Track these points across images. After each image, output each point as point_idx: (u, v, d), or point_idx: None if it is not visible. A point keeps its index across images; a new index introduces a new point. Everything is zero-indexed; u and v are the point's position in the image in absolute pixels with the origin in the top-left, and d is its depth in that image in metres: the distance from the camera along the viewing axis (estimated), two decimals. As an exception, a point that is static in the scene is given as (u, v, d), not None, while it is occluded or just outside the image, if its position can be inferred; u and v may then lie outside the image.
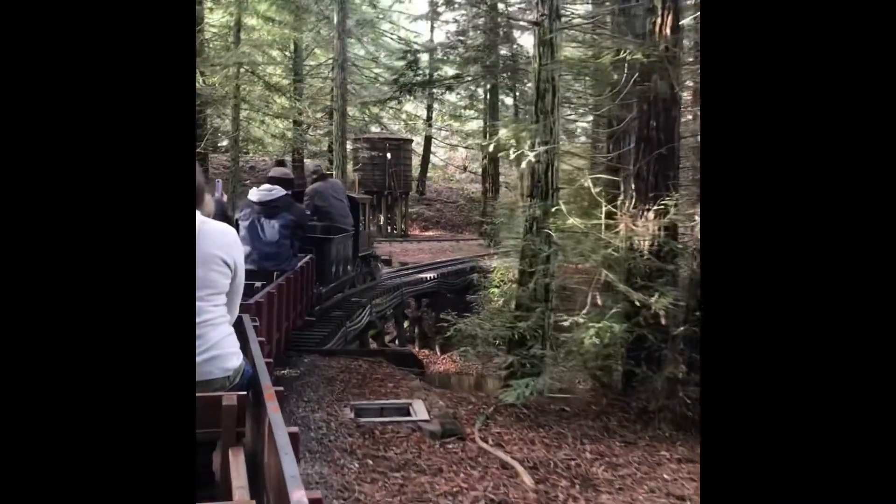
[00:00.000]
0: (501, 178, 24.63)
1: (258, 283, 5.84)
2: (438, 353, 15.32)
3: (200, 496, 2.22)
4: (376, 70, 27.42)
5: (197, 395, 2.18)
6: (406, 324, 15.92)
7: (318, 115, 23.06)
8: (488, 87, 24.89)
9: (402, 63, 17.81)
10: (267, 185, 6.90)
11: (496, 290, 14.04)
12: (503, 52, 16.96)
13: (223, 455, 2.33)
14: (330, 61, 25.58)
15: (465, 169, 33.48)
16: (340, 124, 16.95)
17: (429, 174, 30.74)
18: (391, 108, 28.60)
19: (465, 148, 31.34)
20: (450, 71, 22.00)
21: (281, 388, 2.51)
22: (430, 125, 29.66)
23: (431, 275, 15.24)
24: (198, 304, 2.47)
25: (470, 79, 20.64)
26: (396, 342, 14.86)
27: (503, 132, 9.87)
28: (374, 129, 27.29)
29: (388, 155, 23.53)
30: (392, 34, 29.06)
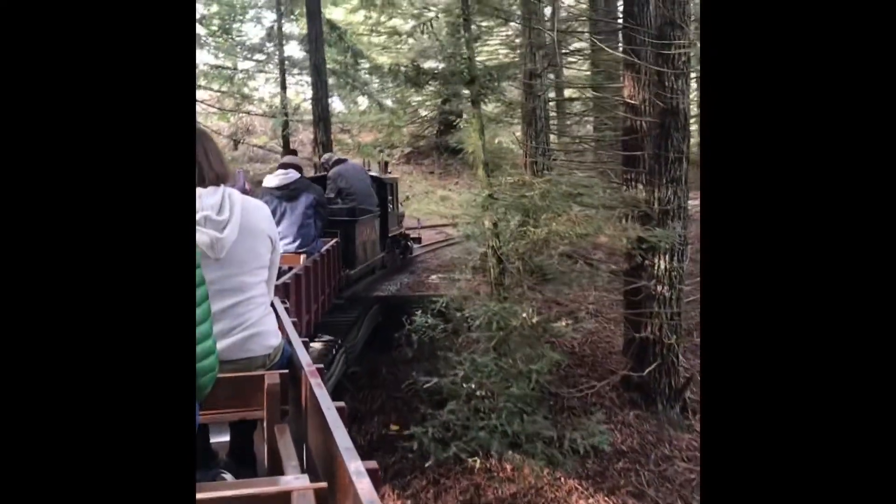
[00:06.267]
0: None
1: (285, 266, 5.54)
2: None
3: (244, 474, 2.40)
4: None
5: (238, 375, 2.35)
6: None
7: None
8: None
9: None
10: (281, 171, 6.69)
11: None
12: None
13: (268, 433, 2.32)
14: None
15: (236, 144, 24.54)
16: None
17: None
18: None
19: (251, 114, 22.35)
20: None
21: (321, 366, 2.48)
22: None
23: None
24: (244, 278, 2.45)
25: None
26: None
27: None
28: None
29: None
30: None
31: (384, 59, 18.62)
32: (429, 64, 23.60)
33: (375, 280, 10.04)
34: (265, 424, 2.32)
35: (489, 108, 10.04)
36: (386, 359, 8.54)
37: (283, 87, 18.46)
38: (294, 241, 6.47)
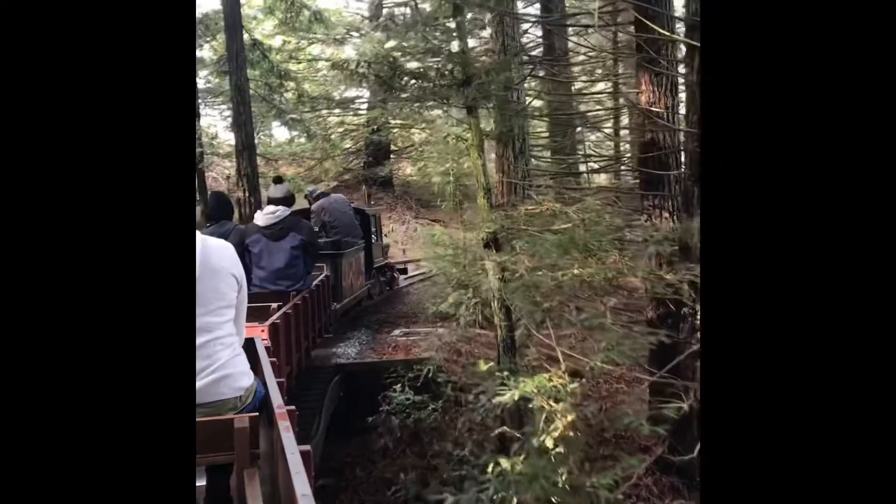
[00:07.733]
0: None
1: (274, 305, 5.24)
2: None
3: None
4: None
5: (208, 419, 2.23)
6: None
7: None
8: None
9: None
10: (270, 208, 6.30)
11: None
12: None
13: (238, 478, 2.25)
14: None
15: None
16: None
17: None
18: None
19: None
20: None
21: (293, 408, 2.42)
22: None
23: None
24: (208, 318, 2.39)
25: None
26: None
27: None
28: None
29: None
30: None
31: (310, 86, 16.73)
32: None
33: (329, 341, 8.23)
34: (235, 469, 2.26)
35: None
36: (355, 450, 6.47)
37: (197, 115, 16.19)
38: (282, 279, 6.13)
